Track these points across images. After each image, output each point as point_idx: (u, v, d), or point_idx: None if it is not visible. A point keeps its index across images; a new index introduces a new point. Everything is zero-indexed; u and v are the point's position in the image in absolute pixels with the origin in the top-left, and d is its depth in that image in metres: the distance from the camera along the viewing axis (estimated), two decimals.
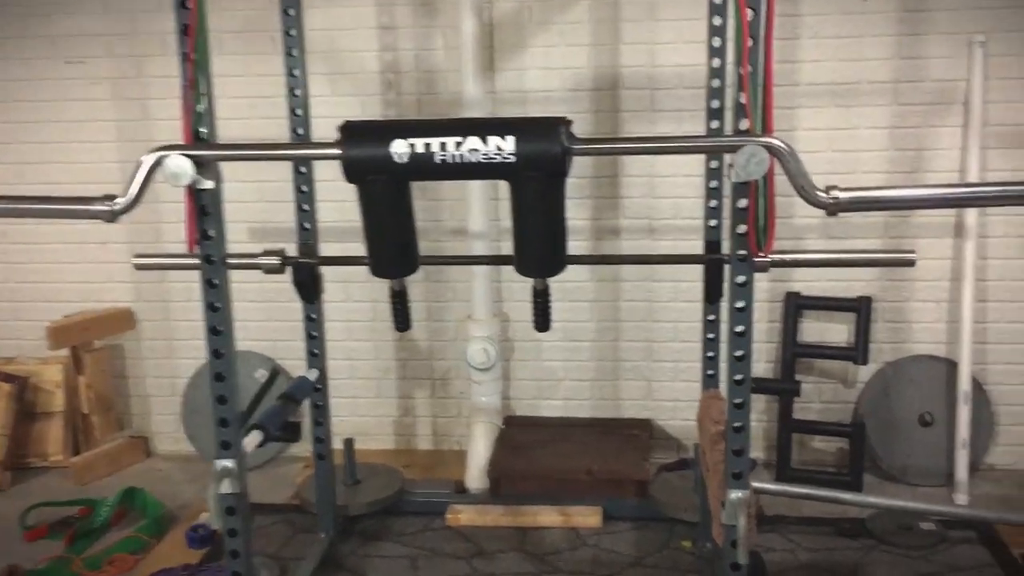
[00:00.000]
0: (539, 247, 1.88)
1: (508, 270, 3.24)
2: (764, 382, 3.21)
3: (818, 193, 1.76)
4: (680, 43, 3.07)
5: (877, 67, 3.02)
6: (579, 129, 3.19)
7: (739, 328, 1.93)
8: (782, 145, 1.74)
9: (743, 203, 1.86)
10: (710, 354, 2.62)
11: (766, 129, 1.89)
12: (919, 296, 3.17)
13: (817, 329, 3.25)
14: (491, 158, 1.76)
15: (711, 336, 2.60)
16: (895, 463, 3.20)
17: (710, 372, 2.63)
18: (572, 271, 3.30)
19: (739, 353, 1.94)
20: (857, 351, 3.14)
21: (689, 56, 3.04)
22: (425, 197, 3.26)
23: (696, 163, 2.91)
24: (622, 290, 3.30)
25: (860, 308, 3.14)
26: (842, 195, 1.75)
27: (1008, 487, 3.14)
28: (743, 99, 1.81)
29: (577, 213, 3.23)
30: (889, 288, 3.18)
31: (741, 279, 1.91)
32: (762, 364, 3.30)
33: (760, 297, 3.22)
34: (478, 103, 3.05)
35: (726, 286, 2.07)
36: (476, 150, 1.76)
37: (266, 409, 2.34)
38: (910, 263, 2.30)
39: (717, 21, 2.41)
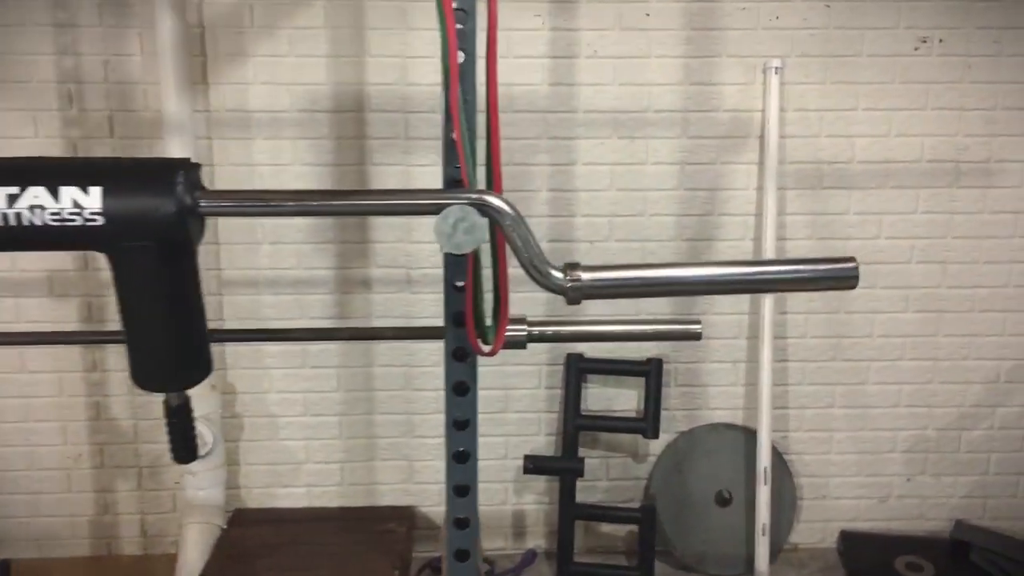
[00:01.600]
0: (159, 349, 1.28)
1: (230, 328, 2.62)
2: (543, 461, 2.72)
3: (553, 273, 1.24)
4: (438, 58, 2.54)
5: (664, 93, 2.60)
6: (320, 160, 2.66)
7: (460, 448, 1.40)
8: (503, 206, 1.21)
9: (460, 283, 1.33)
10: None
11: (493, 181, 1.38)
12: (714, 356, 2.77)
13: (604, 395, 2.79)
14: (67, 220, 1.14)
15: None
16: (690, 550, 2.78)
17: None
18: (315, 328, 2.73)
19: (461, 482, 1.41)
20: (647, 422, 2.70)
21: None
22: None
23: None
24: (376, 353, 2.73)
25: (650, 372, 2.71)
26: (586, 276, 1.24)
27: (813, 572, 2.78)
28: (455, 135, 1.29)
29: (319, 261, 2.64)
30: (682, 347, 2.76)
31: (461, 381, 1.38)
32: (542, 437, 2.81)
33: (538, 359, 2.75)
34: (184, 125, 2.41)
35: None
36: (41, 207, 1.14)
37: None
38: (695, 336, 1.85)
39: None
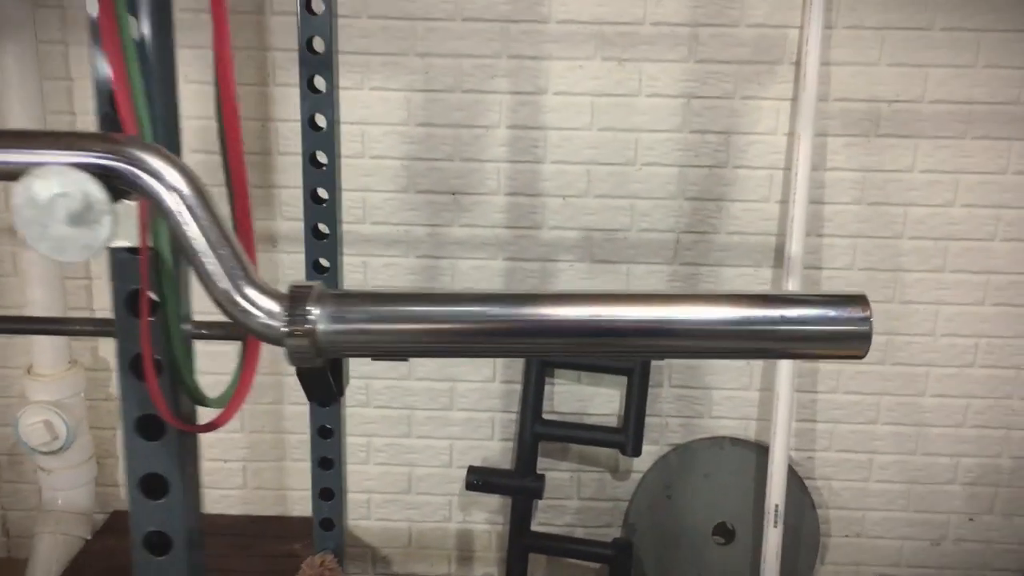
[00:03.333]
0: None
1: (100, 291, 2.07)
2: (491, 476, 2.12)
3: (259, 303, 0.62)
4: None
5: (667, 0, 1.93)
6: (203, 76, 2.03)
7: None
8: (164, 169, 0.60)
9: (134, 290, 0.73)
10: (325, 486, 1.51)
11: (226, 148, 0.79)
12: None
13: (578, 393, 2.18)
14: None
15: (327, 458, 1.49)
16: None
17: (325, 518, 1.52)
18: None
19: None
20: (626, 435, 2.08)
21: None
22: None
23: (391, 136, 1.81)
24: None
25: (633, 369, 2.08)
26: (322, 313, 0.62)
27: None
28: (99, 27, 0.67)
29: None
30: None
31: (154, 473, 0.78)
32: (496, 442, 2.22)
33: None
34: (22, 27, 1.84)
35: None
36: None
37: None
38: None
39: None
